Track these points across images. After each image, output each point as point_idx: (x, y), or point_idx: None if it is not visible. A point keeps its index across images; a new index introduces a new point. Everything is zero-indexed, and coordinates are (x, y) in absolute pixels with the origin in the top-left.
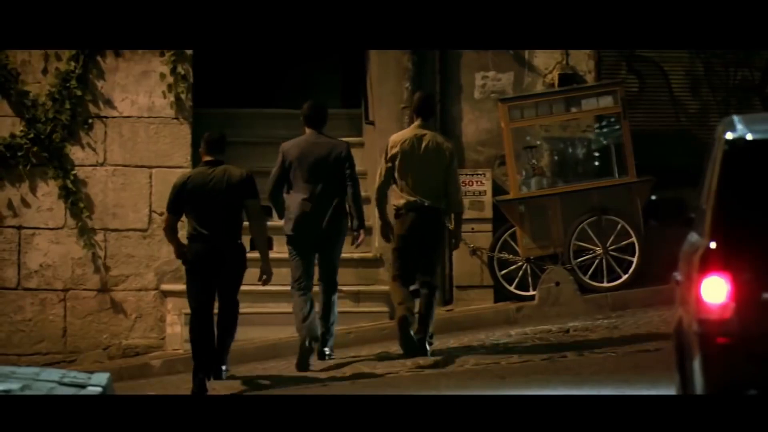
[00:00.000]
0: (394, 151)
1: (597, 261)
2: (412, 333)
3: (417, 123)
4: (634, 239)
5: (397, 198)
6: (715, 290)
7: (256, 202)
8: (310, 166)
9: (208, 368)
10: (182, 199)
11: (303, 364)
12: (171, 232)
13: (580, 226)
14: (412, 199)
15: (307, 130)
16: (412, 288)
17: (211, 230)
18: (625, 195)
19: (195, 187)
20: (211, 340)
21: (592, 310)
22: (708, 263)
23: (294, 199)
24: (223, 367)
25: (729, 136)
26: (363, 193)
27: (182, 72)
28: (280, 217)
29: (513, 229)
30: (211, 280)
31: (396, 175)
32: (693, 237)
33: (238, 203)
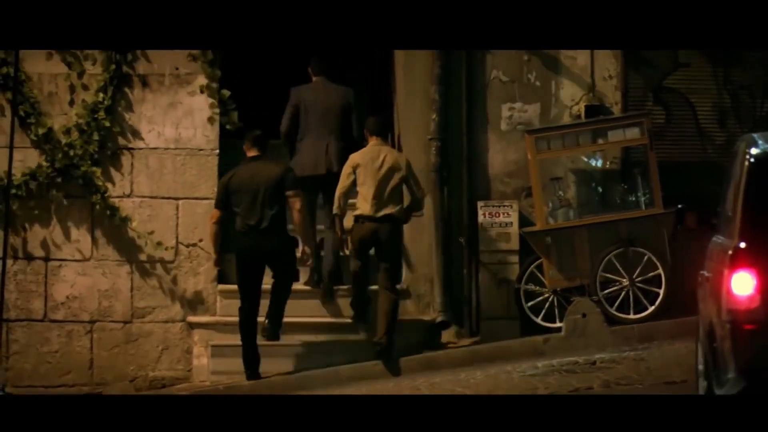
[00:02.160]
0: (354, 167)
1: (624, 292)
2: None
3: (374, 141)
4: (660, 271)
5: (358, 207)
6: (743, 284)
7: (295, 194)
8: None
9: (253, 364)
10: (228, 195)
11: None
12: (216, 229)
13: (606, 258)
14: (370, 208)
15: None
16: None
17: (256, 224)
18: (652, 226)
19: (240, 183)
20: (255, 337)
21: (619, 342)
22: (737, 261)
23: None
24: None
25: (753, 151)
26: None
27: (211, 103)
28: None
29: (540, 261)
30: (260, 274)
31: (357, 188)
32: (719, 239)
33: (281, 196)
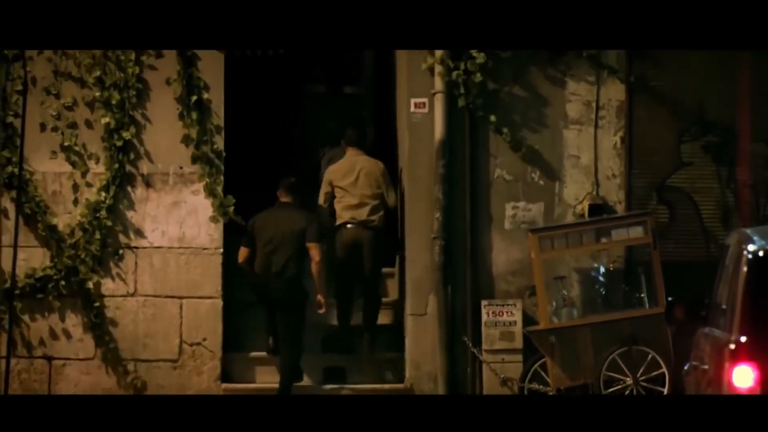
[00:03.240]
0: (330, 183)
1: (627, 391)
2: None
3: (350, 152)
4: (664, 370)
5: (338, 216)
6: (744, 377)
7: (315, 246)
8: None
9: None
10: (254, 236)
11: None
12: (246, 267)
13: (610, 357)
14: (350, 216)
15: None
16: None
17: (268, 268)
18: (656, 325)
19: (263, 226)
20: None
21: None
22: (738, 354)
23: None
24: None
25: (751, 247)
26: None
27: (214, 202)
28: None
29: (543, 360)
30: (274, 314)
31: (336, 198)
32: (712, 331)
33: (300, 246)
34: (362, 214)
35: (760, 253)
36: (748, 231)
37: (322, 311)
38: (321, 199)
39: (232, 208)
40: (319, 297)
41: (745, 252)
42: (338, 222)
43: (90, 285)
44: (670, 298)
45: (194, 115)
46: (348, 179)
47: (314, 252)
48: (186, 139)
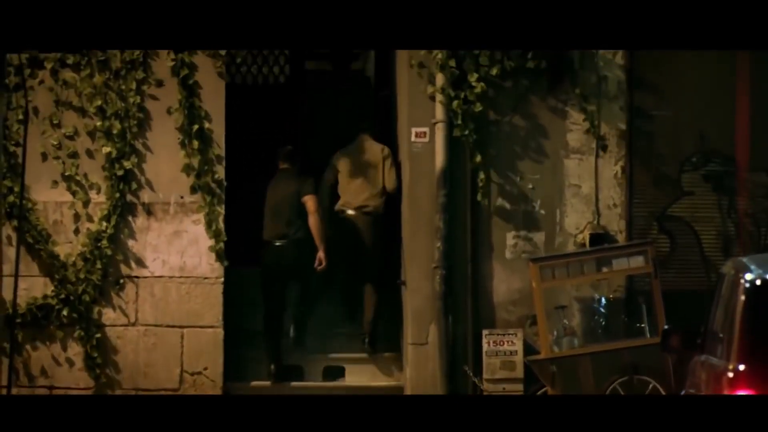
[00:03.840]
0: (336, 162)
1: None
2: None
3: (361, 138)
4: None
5: (339, 201)
6: None
7: (310, 198)
8: None
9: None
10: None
11: None
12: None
13: (611, 386)
14: (348, 201)
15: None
16: None
17: (274, 237)
18: (657, 355)
19: (267, 196)
20: (278, 340)
21: None
22: (737, 382)
23: None
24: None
25: (748, 276)
26: None
27: (216, 231)
28: None
29: (544, 389)
30: (281, 289)
31: (339, 183)
32: (710, 359)
33: (300, 206)
34: (362, 200)
35: (758, 282)
36: (745, 260)
37: (322, 267)
38: (326, 182)
39: (221, 246)
40: (320, 253)
41: (742, 281)
42: (338, 206)
43: (91, 314)
44: (666, 326)
45: (195, 145)
46: (352, 164)
47: (310, 204)
48: (187, 169)
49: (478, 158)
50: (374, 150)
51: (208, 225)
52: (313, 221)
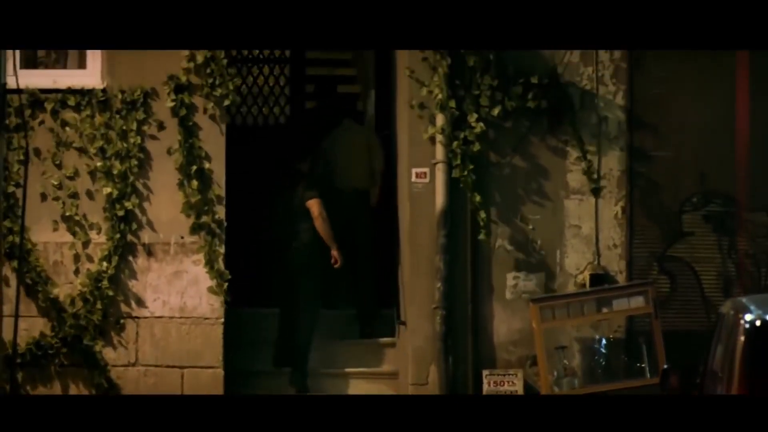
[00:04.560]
0: (326, 146)
1: None
2: None
3: (345, 123)
4: None
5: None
6: None
7: (313, 203)
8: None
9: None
10: None
11: None
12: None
13: None
14: (339, 183)
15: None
16: None
17: (286, 237)
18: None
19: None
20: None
21: None
22: None
23: None
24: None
25: (747, 317)
26: None
27: (216, 272)
28: None
29: None
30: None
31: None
32: None
33: (303, 209)
34: (353, 182)
35: (757, 323)
36: (745, 300)
37: (338, 265)
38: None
39: (225, 285)
40: (333, 252)
41: (741, 321)
42: (331, 188)
43: (92, 354)
44: (665, 366)
45: (195, 185)
46: (340, 149)
47: (313, 209)
48: (187, 209)
49: (479, 198)
50: (359, 134)
51: (209, 265)
52: (318, 225)
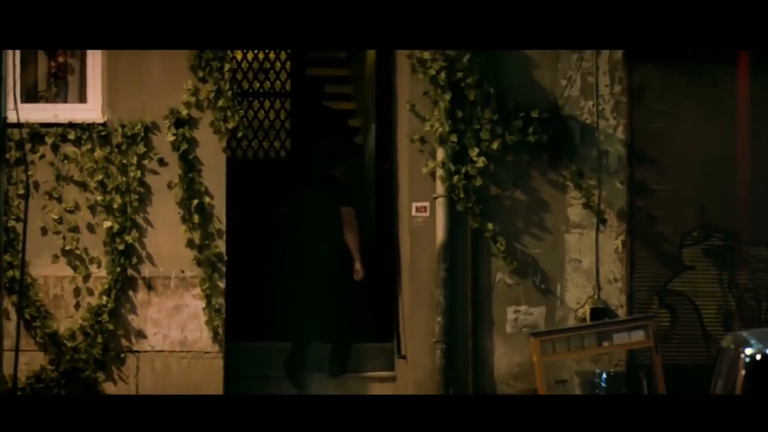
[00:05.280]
0: None
1: None
2: None
3: None
4: None
5: None
6: None
7: (345, 211)
8: None
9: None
10: None
11: None
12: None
13: None
14: None
15: None
16: None
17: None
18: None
19: None
20: None
21: None
22: None
23: None
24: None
25: (748, 351)
26: None
27: (216, 306)
28: None
29: None
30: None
31: None
32: None
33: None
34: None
35: (758, 357)
36: (745, 334)
37: (359, 278)
38: None
39: (219, 323)
40: (357, 264)
41: (742, 355)
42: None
43: (92, 388)
44: None
45: (196, 219)
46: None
47: (347, 217)
48: (188, 243)
49: (491, 226)
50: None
51: (209, 299)
52: (347, 235)
